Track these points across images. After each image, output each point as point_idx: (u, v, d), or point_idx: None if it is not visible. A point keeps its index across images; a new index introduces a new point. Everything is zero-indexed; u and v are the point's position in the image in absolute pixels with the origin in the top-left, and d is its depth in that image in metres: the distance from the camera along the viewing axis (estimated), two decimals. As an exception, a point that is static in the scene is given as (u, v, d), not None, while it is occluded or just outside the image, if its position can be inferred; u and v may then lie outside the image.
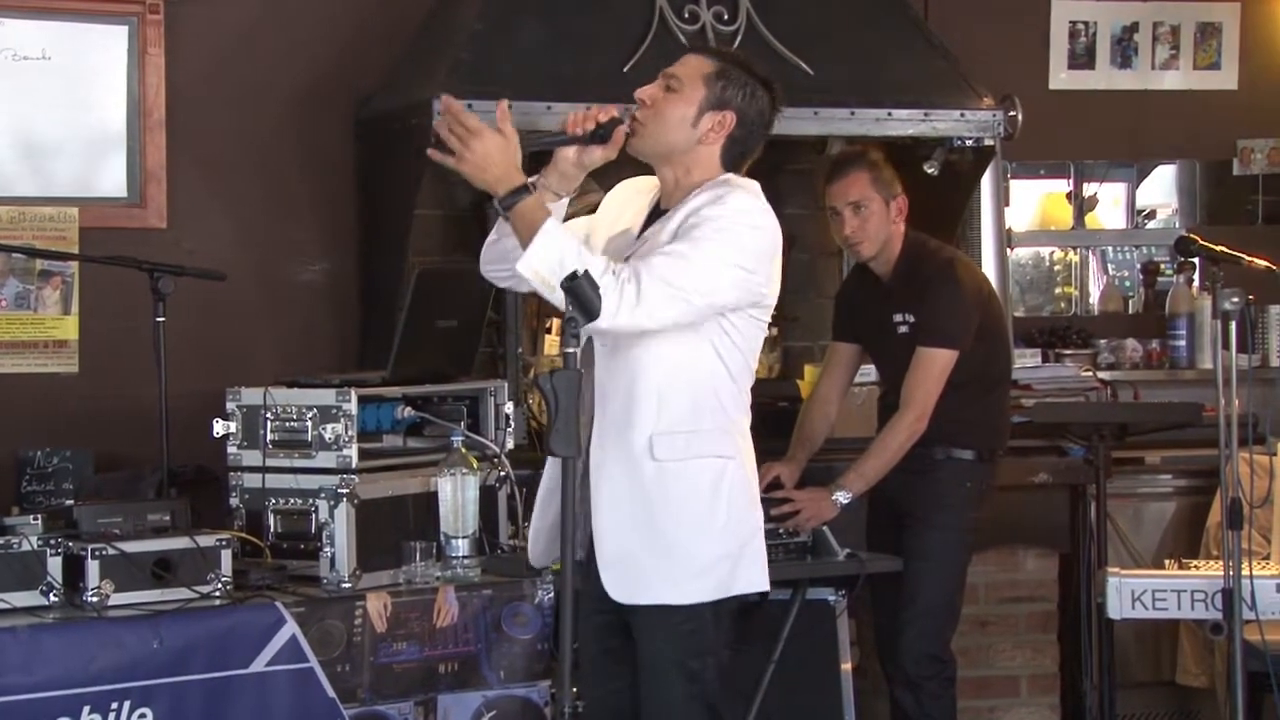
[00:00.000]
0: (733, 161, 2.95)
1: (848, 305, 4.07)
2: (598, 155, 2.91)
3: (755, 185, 2.95)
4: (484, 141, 2.80)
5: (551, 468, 2.97)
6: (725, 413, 2.90)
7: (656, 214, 2.96)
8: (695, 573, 2.88)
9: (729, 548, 2.91)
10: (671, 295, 2.78)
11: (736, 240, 2.84)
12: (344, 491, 3.30)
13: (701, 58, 2.97)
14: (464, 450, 3.42)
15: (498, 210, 2.85)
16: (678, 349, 2.85)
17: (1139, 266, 5.50)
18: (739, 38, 4.31)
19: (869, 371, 4.18)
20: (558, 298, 2.67)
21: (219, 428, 3.45)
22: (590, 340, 2.86)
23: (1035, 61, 5.14)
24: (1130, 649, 4.68)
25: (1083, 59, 5.20)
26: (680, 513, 2.87)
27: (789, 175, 4.81)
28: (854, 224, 3.84)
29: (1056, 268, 5.61)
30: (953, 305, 3.81)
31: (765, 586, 2.99)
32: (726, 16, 4.31)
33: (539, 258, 2.74)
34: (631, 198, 3.03)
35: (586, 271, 2.67)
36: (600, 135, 2.88)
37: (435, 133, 2.88)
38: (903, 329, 3.86)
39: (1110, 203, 5.64)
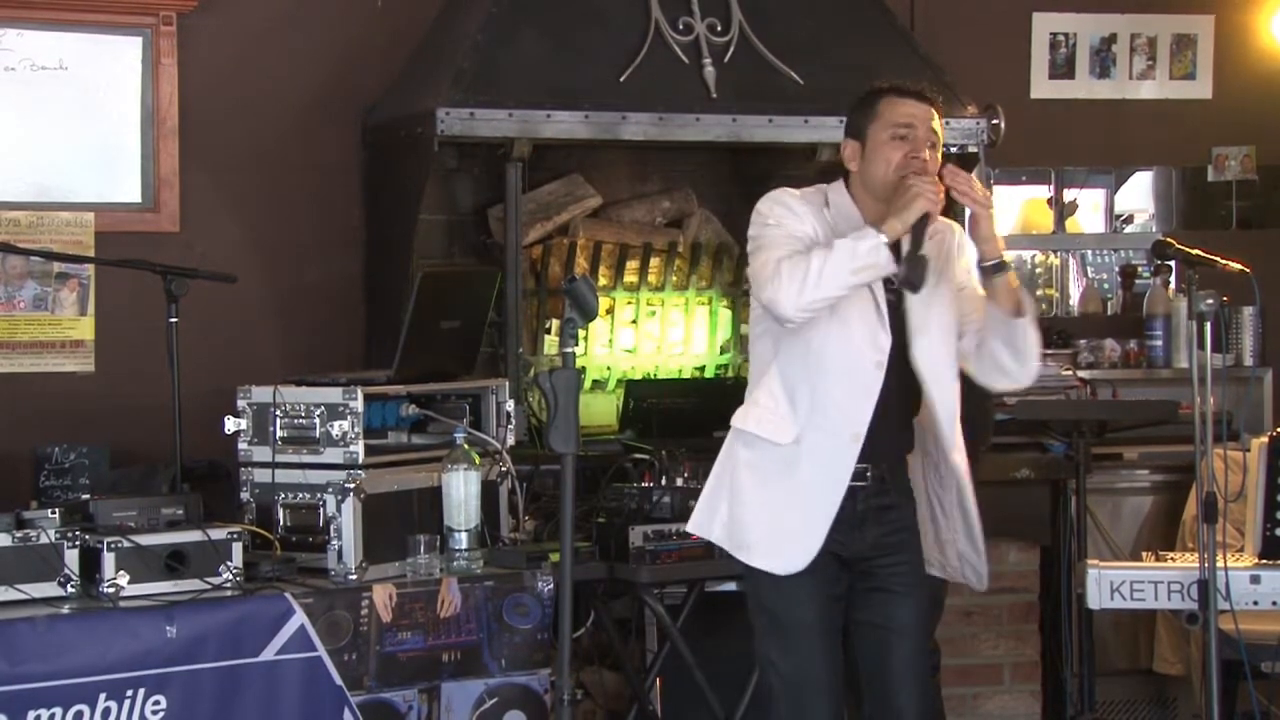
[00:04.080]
0: None
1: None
2: None
3: None
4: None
5: (781, 460, 3.04)
6: None
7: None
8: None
9: None
10: None
11: None
12: (351, 486, 3.34)
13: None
14: (467, 447, 3.48)
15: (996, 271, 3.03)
16: None
17: (1117, 269, 5.48)
18: (731, 48, 4.37)
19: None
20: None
21: (230, 425, 3.51)
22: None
23: (1017, 71, 5.18)
24: (1109, 638, 4.72)
25: (1063, 69, 5.24)
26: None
27: (780, 181, 4.81)
28: None
29: (1038, 270, 5.59)
30: None
31: None
32: (720, 28, 4.37)
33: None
34: (812, 214, 3.11)
35: (585, 275, 2.80)
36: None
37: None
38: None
39: (1089, 208, 5.61)
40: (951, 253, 3.13)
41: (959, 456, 3.13)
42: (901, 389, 3.08)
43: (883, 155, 3.05)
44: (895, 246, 3.00)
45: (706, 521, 3.13)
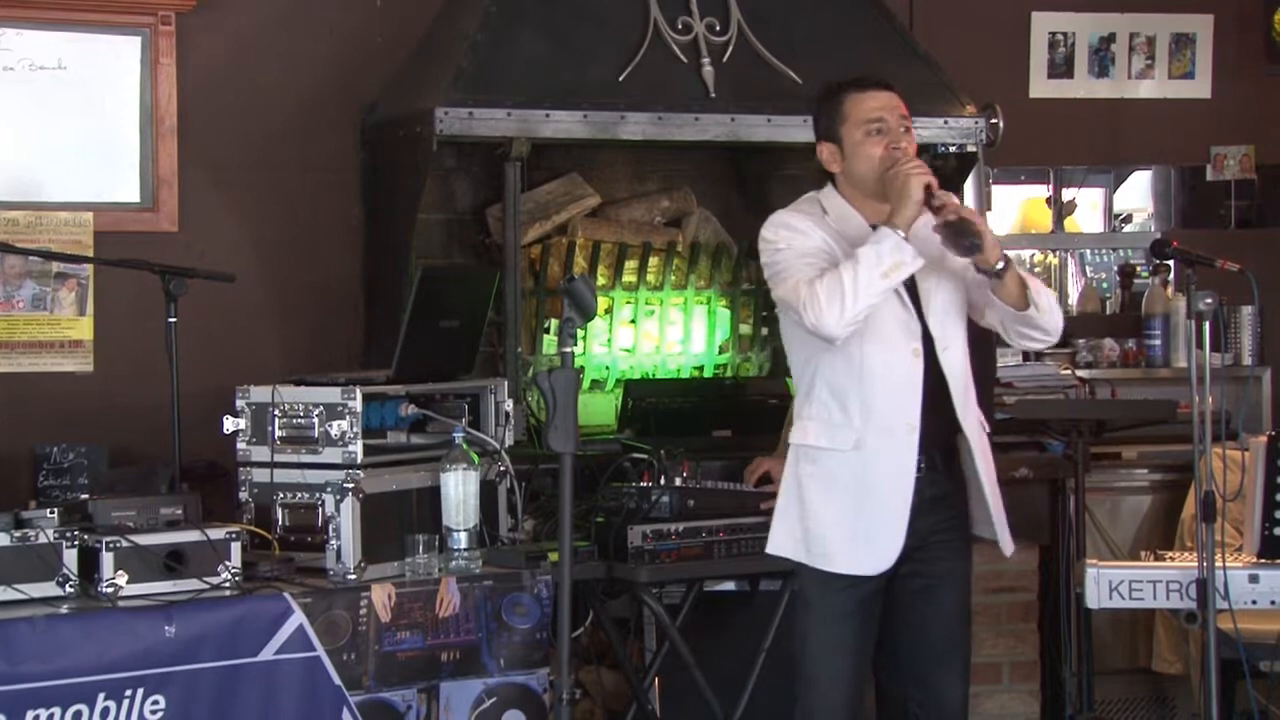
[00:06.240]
0: None
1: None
2: None
3: None
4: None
5: (844, 467, 3.11)
6: None
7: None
8: None
9: None
10: None
11: None
12: (349, 486, 3.34)
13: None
14: (465, 446, 3.47)
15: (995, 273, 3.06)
16: None
17: (1116, 269, 5.52)
18: (730, 48, 4.37)
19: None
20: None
21: (229, 424, 3.52)
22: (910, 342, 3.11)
23: (1016, 70, 5.20)
24: (1108, 637, 4.73)
25: (1062, 68, 5.25)
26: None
27: (779, 181, 4.87)
28: None
29: (1037, 270, 5.62)
30: None
31: None
32: (718, 27, 4.37)
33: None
34: (816, 226, 3.14)
35: (584, 274, 2.82)
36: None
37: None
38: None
39: (1088, 207, 5.65)
40: None
41: (971, 425, 3.18)
42: (939, 371, 3.15)
43: (864, 154, 3.12)
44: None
45: (784, 541, 3.20)
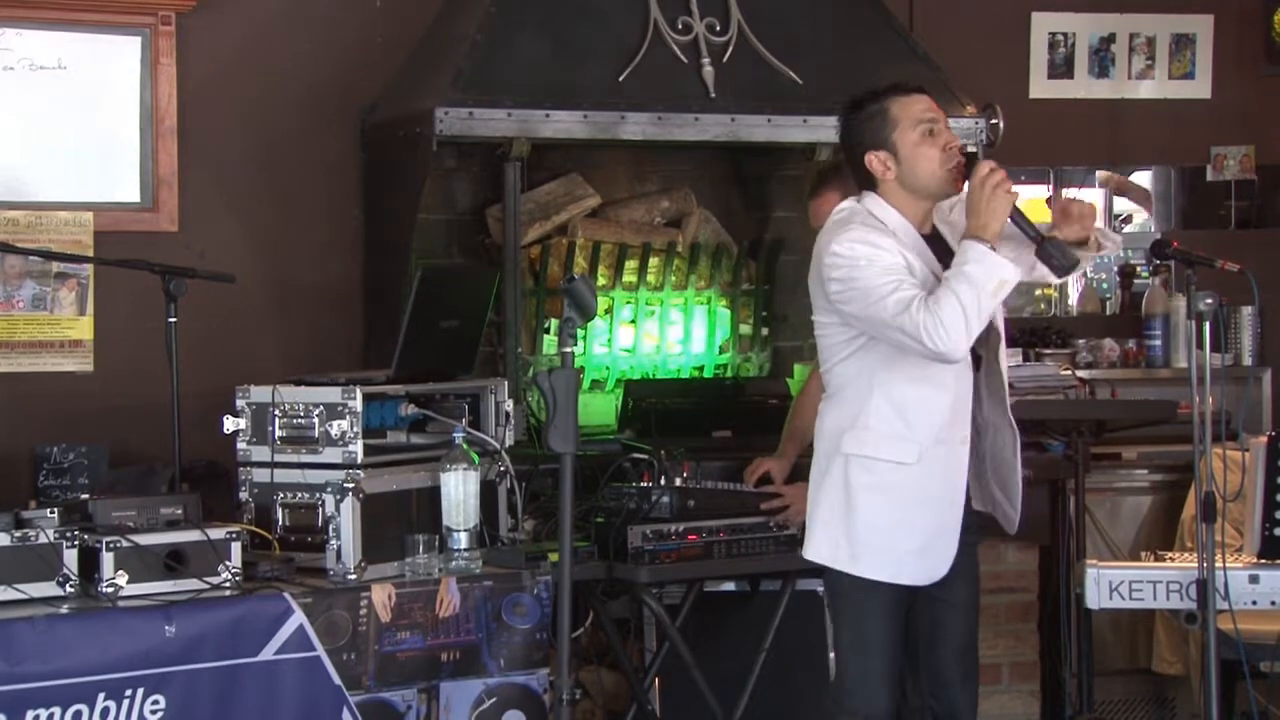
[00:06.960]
0: None
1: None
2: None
3: None
4: None
5: (905, 479, 3.12)
6: None
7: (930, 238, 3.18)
8: None
9: None
10: None
11: None
12: (350, 486, 3.34)
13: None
14: (465, 446, 3.47)
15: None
16: None
17: (1116, 269, 5.51)
18: (730, 48, 4.37)
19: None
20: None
21: (229, 424, 3.51)
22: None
23: (1016, 71, 5.20)
24: (1108, 638, 4.74)
25: (1062, 69, 5.26)
26: None
27: (779, 180, 4.89)
28: None
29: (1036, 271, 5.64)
30: None
31: None
32: (719, 27, 4.37)
33: None
34: (893, 243, 3.14)
35: (584, 274, 2.82)
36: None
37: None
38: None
39: (1088, 208, 5.66)
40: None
41: (1009, 410, 3.22)
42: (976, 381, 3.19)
43: (923, 156, 3.11)
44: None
45: (830, 551, 3.19)
